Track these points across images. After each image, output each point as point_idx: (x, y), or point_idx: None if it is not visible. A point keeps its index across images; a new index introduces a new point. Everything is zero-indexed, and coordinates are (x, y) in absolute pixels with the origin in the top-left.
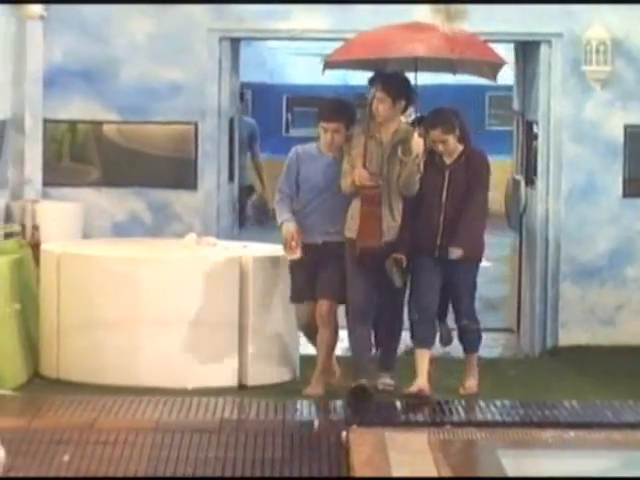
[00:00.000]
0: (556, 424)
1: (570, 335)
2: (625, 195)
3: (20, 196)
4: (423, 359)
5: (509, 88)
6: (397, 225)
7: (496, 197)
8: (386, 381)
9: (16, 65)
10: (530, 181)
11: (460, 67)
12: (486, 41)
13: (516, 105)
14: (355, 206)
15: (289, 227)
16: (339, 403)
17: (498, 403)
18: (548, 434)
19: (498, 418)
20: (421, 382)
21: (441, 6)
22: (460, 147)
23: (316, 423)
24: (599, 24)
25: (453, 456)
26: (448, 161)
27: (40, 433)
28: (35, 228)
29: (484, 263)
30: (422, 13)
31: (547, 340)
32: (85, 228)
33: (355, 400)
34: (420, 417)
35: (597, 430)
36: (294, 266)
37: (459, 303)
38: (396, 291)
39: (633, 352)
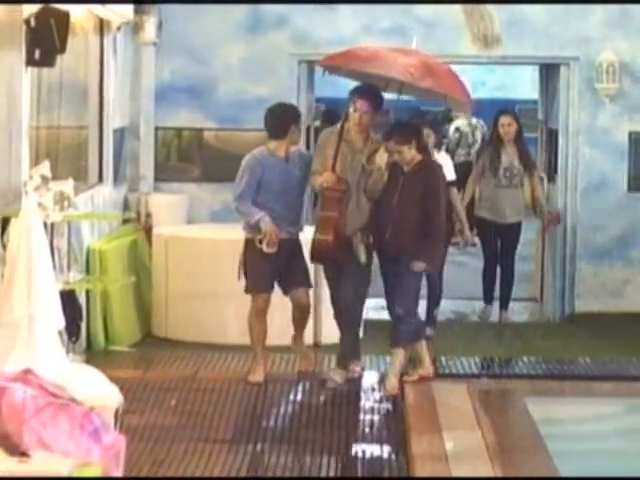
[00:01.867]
0: (572, 377)
1: (585, 304)
2: (630, 190)
3: (136, 189)
4: (421, 349)
5: (534, 101)
6: (364, 218)
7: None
8: (355, 368)
9: (133, 83)
10: (552, 178)
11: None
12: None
13: (540, 115)
14: (318, 205)
15: (268, 222)
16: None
17: (525, 359)
18: (566, 385)
19: (525, 372)
20: (424, 370)
21: (480, 34)
22: (418, 157)
23: (377, 375)
24: (609, 49)
25: (488, 403)
26: (405, 169)
27: (151, 382)
28: (148, 215)
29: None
30: (464, 44)
31: (565, 308)
32: (188, 215)
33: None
34: (461, 370)
35: (606, 382)
36: (256, 259)
37: (399, 292)
38: (359, 283)
39: (637, 318)
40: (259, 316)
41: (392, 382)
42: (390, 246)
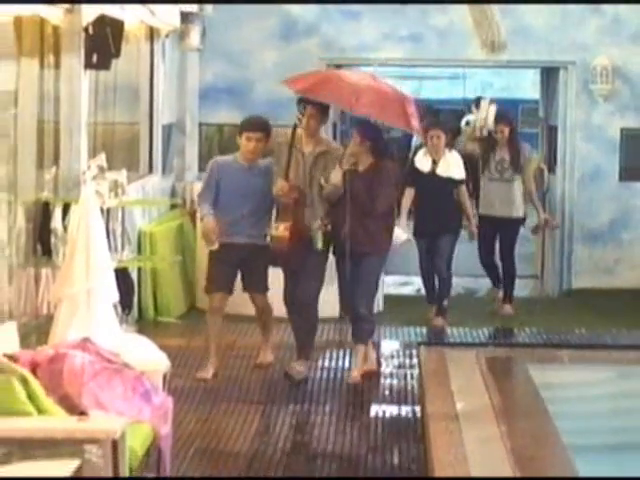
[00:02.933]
0: (569, 346)
1: (580, 281)
2: (621, 179)
3: (182, 179)
4: (359, 350)
5: (536, 101)
6: (319, 218)
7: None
8: (300, 368)
9: (179, 84)
10: (552, 169)
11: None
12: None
13: (541, 113)
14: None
15: (207, 221)
16: (412, 330)
17: (527, 330)
18: (564, 353)
19: (527, 341)
20: (356, 372)
21: (488, 40)
22: (371, 159)
23: (396, 344)
24: (603, 55)
25: (494, 369)
26: (360, 169)
27: (195, 350)
28: (192, 202)
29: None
30: (474, 49)
31: (563, 285)
32: None
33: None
34: (470, 340)
35: (600, 350)
36: (215, 260)
37: (359, 292)
38: (312, 284)
39: (627, 293)
40: (214, 315)
41: (355, 375)
42: (346, 245)
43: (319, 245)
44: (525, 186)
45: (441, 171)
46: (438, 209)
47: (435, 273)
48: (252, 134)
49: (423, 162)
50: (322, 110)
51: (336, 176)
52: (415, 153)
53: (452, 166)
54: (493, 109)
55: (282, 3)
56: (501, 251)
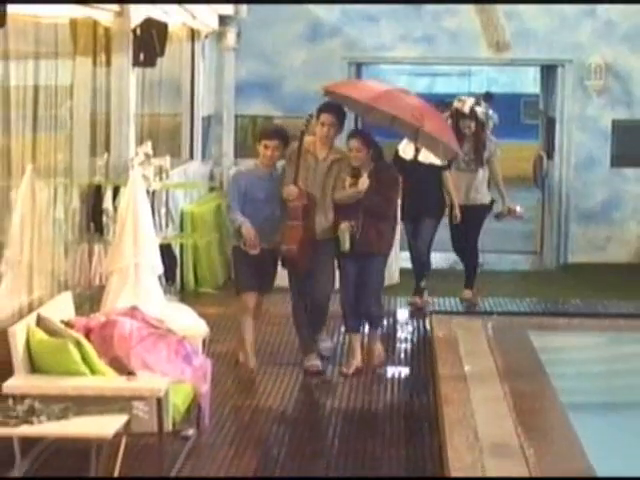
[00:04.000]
0: (565, 314)
1: (575, 256)
2: (612, 166)
3: (219, 164)
4: (356, 345)
5: (537, 95)
6: (330, 224)
7: (528, 167)
8: (315, 362)
9: (217, 79)
10: (550, 156)
11: (421, 138)
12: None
13: (541, 106)
14: (284, 216)
15: (248, 227)
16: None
17: (527, 300)
18: (560, 321)
19: (527, 309)
20: (357, 362)
21: (494, 41)
22: (372, 164)
23: (408, 311)
24: (597, 54)
25: (497, 334)
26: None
27: (231, 318)
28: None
29: (519, 211)
30: (481, 49)
31: (560, 259)
32: None
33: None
34: (476, 309)
35: (592, 318)
36: (241, 263)
37: (369, 291)
38: (327, 286)
39: (617, 267)
40: (245, 314)
41: (353, 367)
42: (356, 246)
43: (346, 247)
44: (492, 178)
45: (423, 158)
46: (421, 195)
47: (416, 255)
48: (269, 142)
49: (406, 150)
50: (341, 120)
51: (363, 185)
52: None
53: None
54: (469, 105)
55: (308, 3)
56: (466, 237)
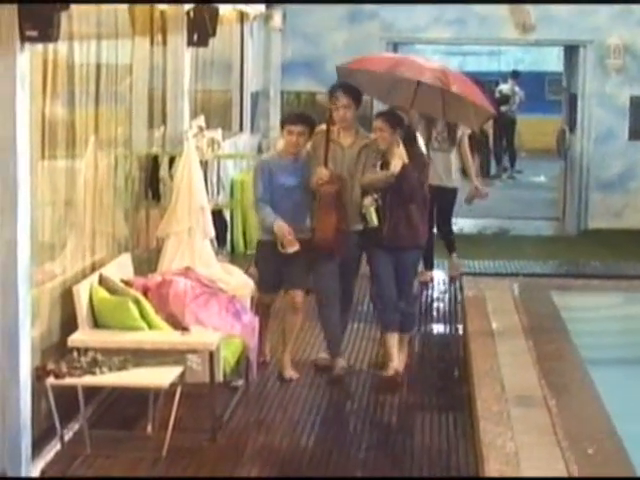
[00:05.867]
0: (585, 276)
1: (595, 223)
2: (629, 139)
3: (267, 136)
4: (393, 343)
5: (560, 73)
6: (369, 194)
7: (552, 140)
8: (343, 365)
9: (265, 58)
10: (572, 129)
11: (449, 109)
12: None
13: (564, 83)
14: (316, 203)
15: (282, 225)
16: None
17: (550, 262)
18: (580, 282)
19: (550, 271)
20: (396, 364)
21: (520, 23)
22: (404, 153)
23: (443, 274)
24: (615, 35)
25: (522, 294)
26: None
27: None
28: None
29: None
30: (508, 30)
31: (581, 225)
32: None
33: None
34: (503, 271)
35: (610, 280)
36: (264, 260)
37: (402, 287)
38: (348, 280)
39: (633, 233)
40: (296, 311)
41: (394, 369)
42: (387, 240)
43: (375, 222)
44: (462, 157)
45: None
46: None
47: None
48: (293, 127)
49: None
50: (357, 99)
51: (395, 166)
52: None
53: None
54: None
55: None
56: (437, 218)
